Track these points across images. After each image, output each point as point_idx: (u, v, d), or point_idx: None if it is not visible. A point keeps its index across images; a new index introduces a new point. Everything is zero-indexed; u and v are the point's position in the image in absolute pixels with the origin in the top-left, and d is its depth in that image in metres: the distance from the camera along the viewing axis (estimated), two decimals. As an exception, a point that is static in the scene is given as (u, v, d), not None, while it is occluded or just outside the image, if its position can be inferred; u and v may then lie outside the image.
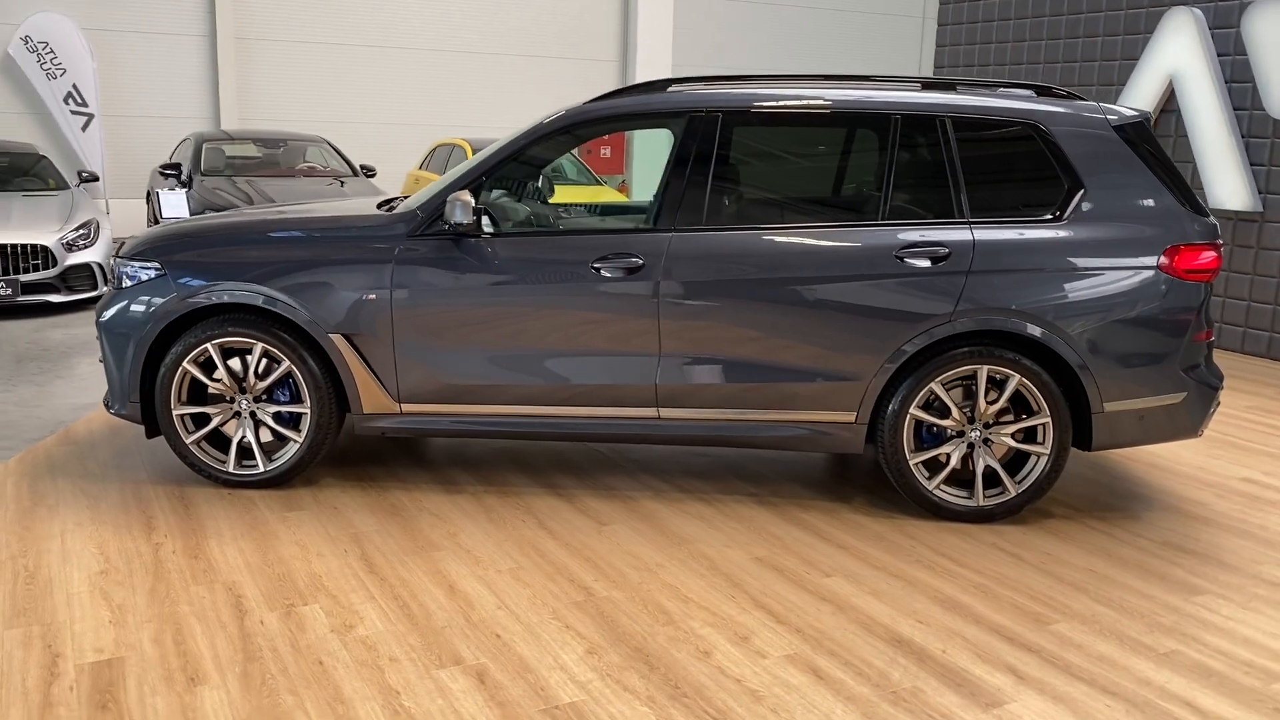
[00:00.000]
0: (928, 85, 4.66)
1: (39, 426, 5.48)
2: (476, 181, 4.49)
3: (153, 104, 13.77)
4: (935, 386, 4.33)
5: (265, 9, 14.20)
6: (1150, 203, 4.37)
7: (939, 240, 4.32)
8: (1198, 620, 3.62)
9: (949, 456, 4.42)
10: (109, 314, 4.58)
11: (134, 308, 4.52)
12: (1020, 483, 4.41)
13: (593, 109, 4.57)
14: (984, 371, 4.32)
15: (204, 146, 10.88)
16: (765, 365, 4.40)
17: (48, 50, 12.97)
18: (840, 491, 4.79)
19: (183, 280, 4.48)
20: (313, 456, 4.56)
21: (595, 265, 4.36)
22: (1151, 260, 4.31)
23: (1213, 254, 4.37)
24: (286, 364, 4.46)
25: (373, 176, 11.37)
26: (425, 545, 4.06)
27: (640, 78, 16.50)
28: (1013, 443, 4.39)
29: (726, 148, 4.49)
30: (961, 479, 4.46)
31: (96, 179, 10.69)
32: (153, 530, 4.12)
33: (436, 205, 4.43)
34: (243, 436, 4.55)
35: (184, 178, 10.36)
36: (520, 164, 4.64)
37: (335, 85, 14.76)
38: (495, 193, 4.80)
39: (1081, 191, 4.35)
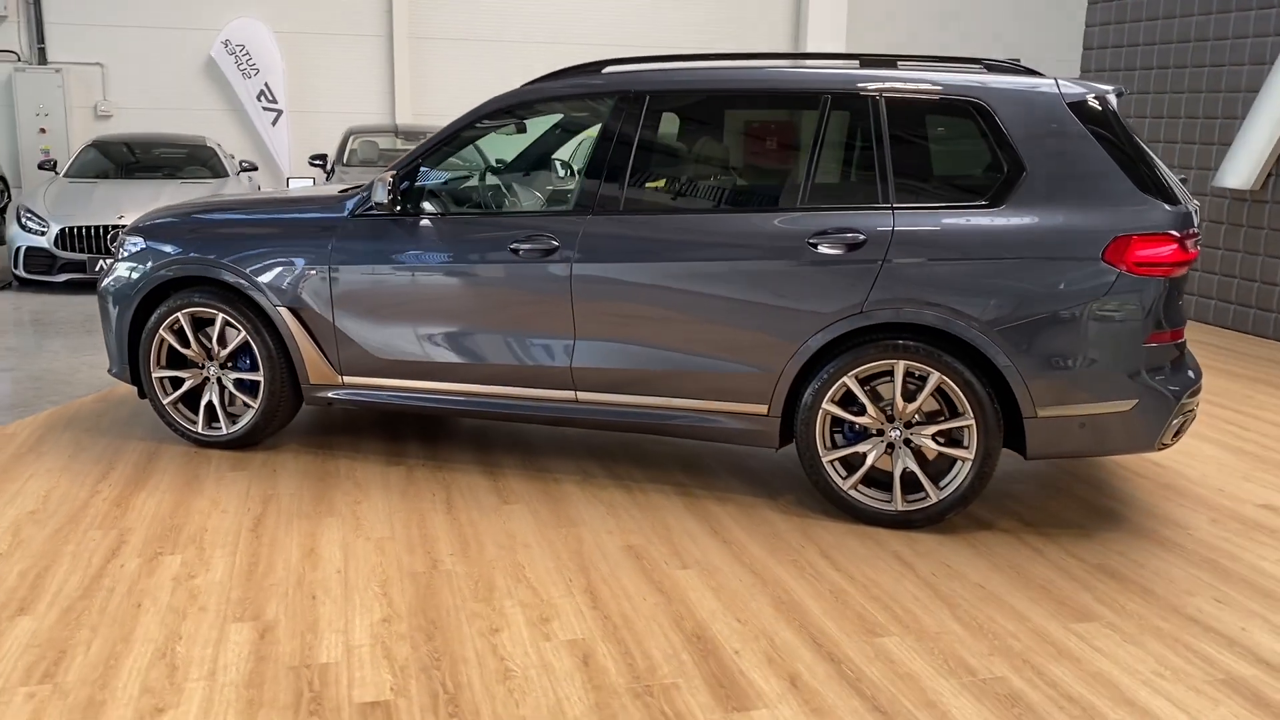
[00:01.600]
0: (867, 63, 4.39)
1: (90, 386, 6.11)
2: (414, 164, 4.64)
3: (335, 100, 14.83)
4: (849, 381, 4.09)
5: (438, 9, 14.97)
6: (1101, 188, 3.94)
7: (854, 226, 4.08)
8: (1056, 649, 3.25)
9: (865, 456, 4.16)
10: (105, 282, 5.05)
11: (123, 277, 4.97)
12: (943, 488, 4.09)
13: (524, 92, 4.61)
14: (900, 367, 4.04)
15: (351, 138, 11.65)
16: (676, 351, 4.30)
17: (244, 52, 14.25)
18: (773, 487, 4.60)
19: (160, 254, 4.88)
20: (267, 422, 4.86)
21: (514, 247, 4.40)
22: (1095, 251, 3.89)
23: (1171, 246, 3.88)
24: (243, 334, 4.78)
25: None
26: (323, 510, 4.25)
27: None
28: (933, 445, 4.09)
29: (649, 130, 4.41)
30: (887, 481, 4.19)
31: (255, 169, 11.67)
32: (104, 480, 4.53)
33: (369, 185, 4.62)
34: (208, 400, 4.91)
35: (328, 167, 11.14)
36: (458, 146, 4.74)
37: (503, 81, 15.35)
38: (444, 175, 4.93)
39: (1023, 175, 3.98)
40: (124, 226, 5.44)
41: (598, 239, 4.32)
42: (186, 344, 4.87)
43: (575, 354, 4.40)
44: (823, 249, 4.08)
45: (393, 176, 4.49)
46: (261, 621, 3.31)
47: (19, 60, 13.80)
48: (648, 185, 4.44)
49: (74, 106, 13.90)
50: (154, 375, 4.94)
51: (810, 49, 16.11)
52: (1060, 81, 4.10)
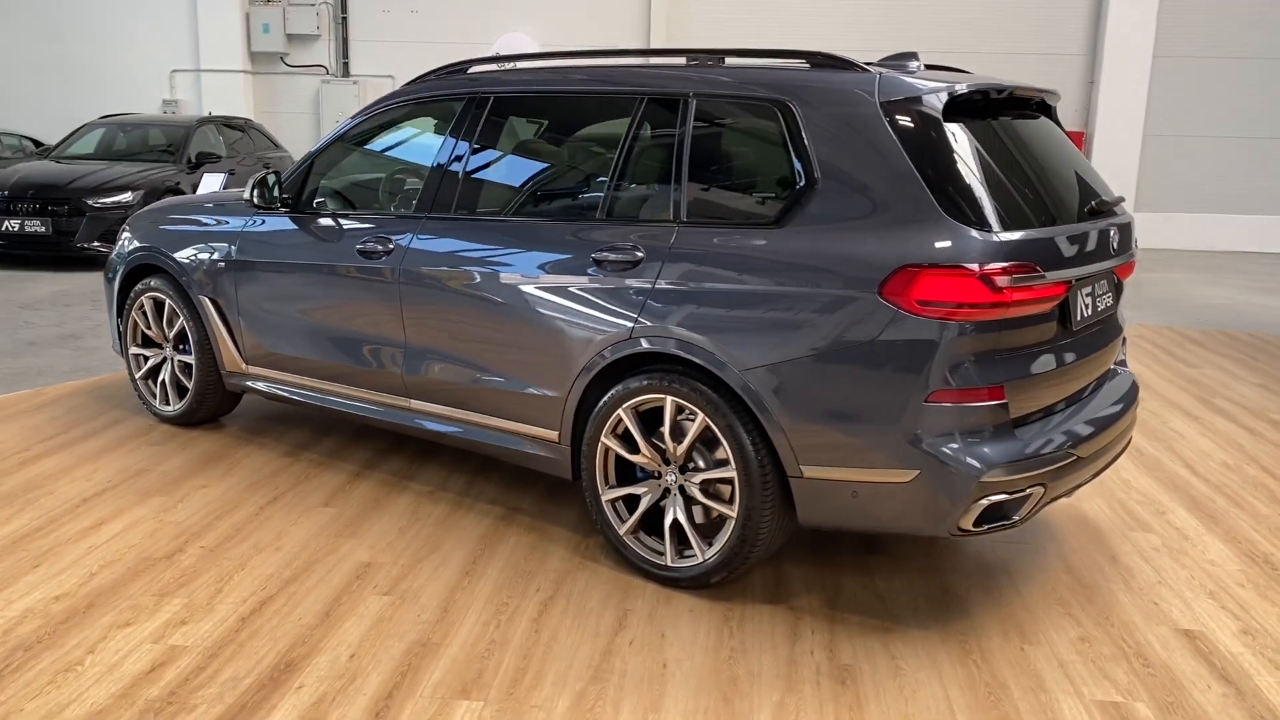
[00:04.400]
0: (694, 58, 3.89)
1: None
2: (307, 165, 4.75)
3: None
4: (624, 413, 3.67)
5: (700, 15, 15.06)
6: (897, 208, 3.23)
7: (636, 243, 3.65)
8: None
9: (640, 499, 3.71)
10: (107, 269, 5.66)
11: (112, 262, 5.55)
12: (711, 546, 3.56)
13: (389, 98, 4.59)
14: (669, 403, 3.56)
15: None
16: (480, 366, 4.09)
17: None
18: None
19: (133, 242, 5.39)
20: (199, 404, 5.21)
21: (359, 248, 4.40)
22: (872, 284, 3.19)
23: (968, 282, 3.09)
24: (180, 320, 5.16)
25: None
26: (172, 482, 4.50)
27: (1109, 72, 14.46)
28: (700, 496, 3.56)
29: (484, 134, 4.23)
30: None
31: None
32: (78, 432, 5.10)
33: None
34: (163, 378, 5.35)
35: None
36: (345, 151, 4.77)
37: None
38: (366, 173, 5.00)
39: (813, 189, 3.37)
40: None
41: (419, 246, 4.21)
42: (149, 326, 5.35)
43: (407, 361, 4.31)
44: (604, 266, 3.69)
45: (264, 176, 4.65)
46: (-32, 579, 3.58)
47: (326, 74, 15.66)
48: (473, 191, 4.24)
49: (368, 114, 15.55)
50: (130, 351, 5.47)
51: (1106, 54, 14.38)
52: (888, 78, 3.41)
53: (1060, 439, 3.35)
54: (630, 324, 3.60)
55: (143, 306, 5.32)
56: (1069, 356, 3.46)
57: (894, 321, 3.15)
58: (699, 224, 3.57)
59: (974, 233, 3.13)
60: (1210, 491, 4.76)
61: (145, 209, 5.68)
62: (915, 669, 3.18)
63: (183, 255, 5.08)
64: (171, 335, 5.24)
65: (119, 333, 5.49)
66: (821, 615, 3.50)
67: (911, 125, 3.29)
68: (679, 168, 3.65)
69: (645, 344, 3.57)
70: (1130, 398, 3.90)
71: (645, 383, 3.58)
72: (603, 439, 3.73)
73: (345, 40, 15.59)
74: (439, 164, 4.28)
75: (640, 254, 3.62)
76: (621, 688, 3.02)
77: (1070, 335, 3.46)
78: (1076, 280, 3.42)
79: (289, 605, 3.46)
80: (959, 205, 3.17)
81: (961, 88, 3.39)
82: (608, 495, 3.77)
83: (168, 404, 5.35)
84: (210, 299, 4.99)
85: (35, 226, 10.25)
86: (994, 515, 3.25)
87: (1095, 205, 3.64)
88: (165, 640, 3.21)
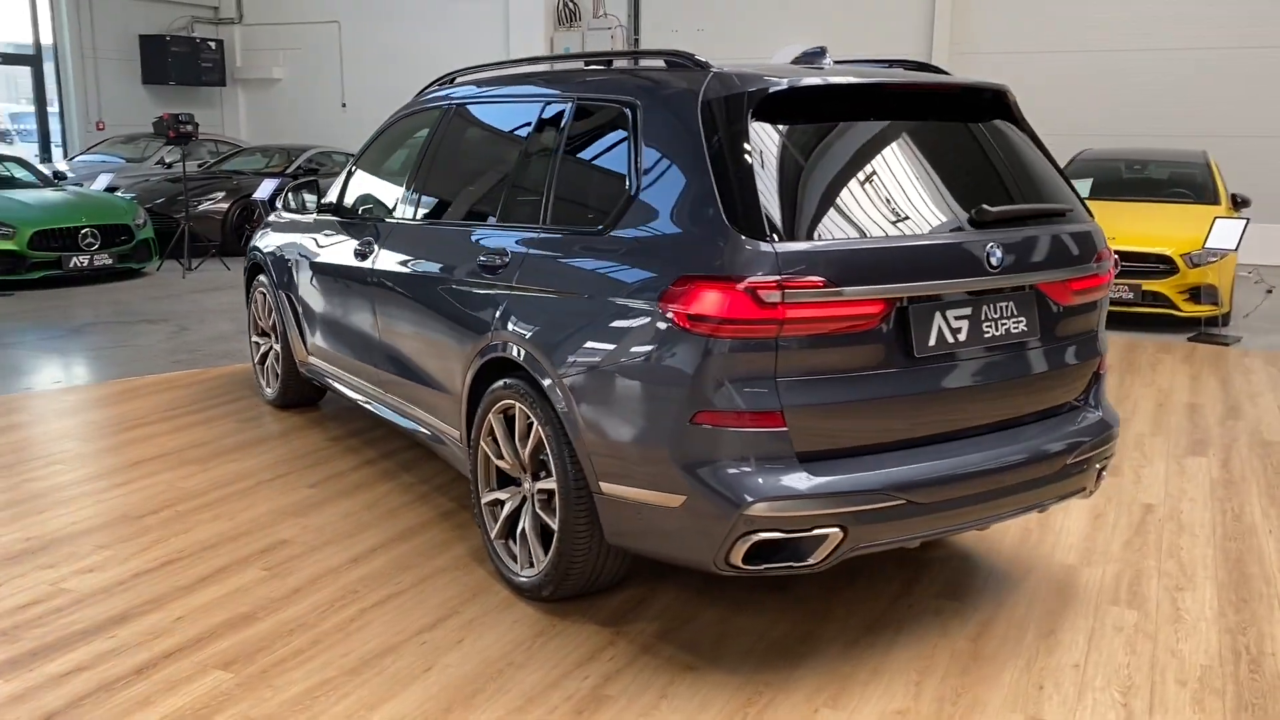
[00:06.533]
0: (592, 62, 3.78)
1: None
2: (348, 171, 5.17)
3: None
4: (493, 418, 3.69)
5: (984, 25, 14.11)
6: (694, 214, 3.02)
7: (506, 247, 3.67)
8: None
9: (504, 505, 3.71)
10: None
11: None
12: (544, 561, 3.48)
13: (403, 109, 4.87)
14: (519, 409, 3.54)
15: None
16: (415, 366, 4.29)
17: (790, 77, 15.12)
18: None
19: (251, 245, 6.12)
20: (285, 390, 5.82)
21: (353, 250, 4.74)
22: (655, 295, 3.00)
23: (731, 296, 2.81)
24: (274, 311, 5.80)
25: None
26: (216, 454, 5.10)
27: None
28: (537, 506, 3.50)
29: (435, 145, 4.44)
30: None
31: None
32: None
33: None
34: (268, 363, 6.04)
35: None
36: (369, 163, 5.10)
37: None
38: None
39: (636, 195, 3.22)
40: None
41: (387, 247, 4.47)
42: (260, 317, 6.06)
43: (377, 358, 4.59)
44: (484, 270, 3.74)
45: (297, 184, 5.13)
46: (-14, 517, 4.32)
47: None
48: (421, 198, 4.42)
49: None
50: (250, 339, 6.22)
51: None
52: (720, 76, 3.17)
53: (882, 480, 2.94)
54: (490, 328, 3.62)
55: (255, 300, 6.03)
56: (911, 387, 3.01)
57: (669, 336, 2.94)
58: (553, 229, 3.52)
59: (748, 243, 2.85)
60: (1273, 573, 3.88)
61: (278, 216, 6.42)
62: (670, 712, 2.93)
63: (269, 253, 5.71)
64: (269, 326, 5.91)
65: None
66: (639, 644, 3.31)
67: (721, 127, 3.05)
68: (552, 173, 3.62)
69: (499, 348, 3.58)
70: (1064, 444, 3.30)
71: (504, 387, 3.59)
72: (481, 441, 3.77)
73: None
74: (407, 172, 4.54)
75: (507, 258, 3.63)
76: (368, 683, 3.07)
77: (916, 364, 3.01)
78: (913, 298, 2.98)
79: (183, 569, 3.84)
80: (743, 213, 2.91)
81: (781, 84, 3.09)
82: (486, 498, 3.80)
83: (268, 388, 6.03)
84: (285, 293, 5.56)
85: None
86: (773, 554, 2.93)
87: (980, 214, 3.12)
88: (60, 583, 3.70)
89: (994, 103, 3.55)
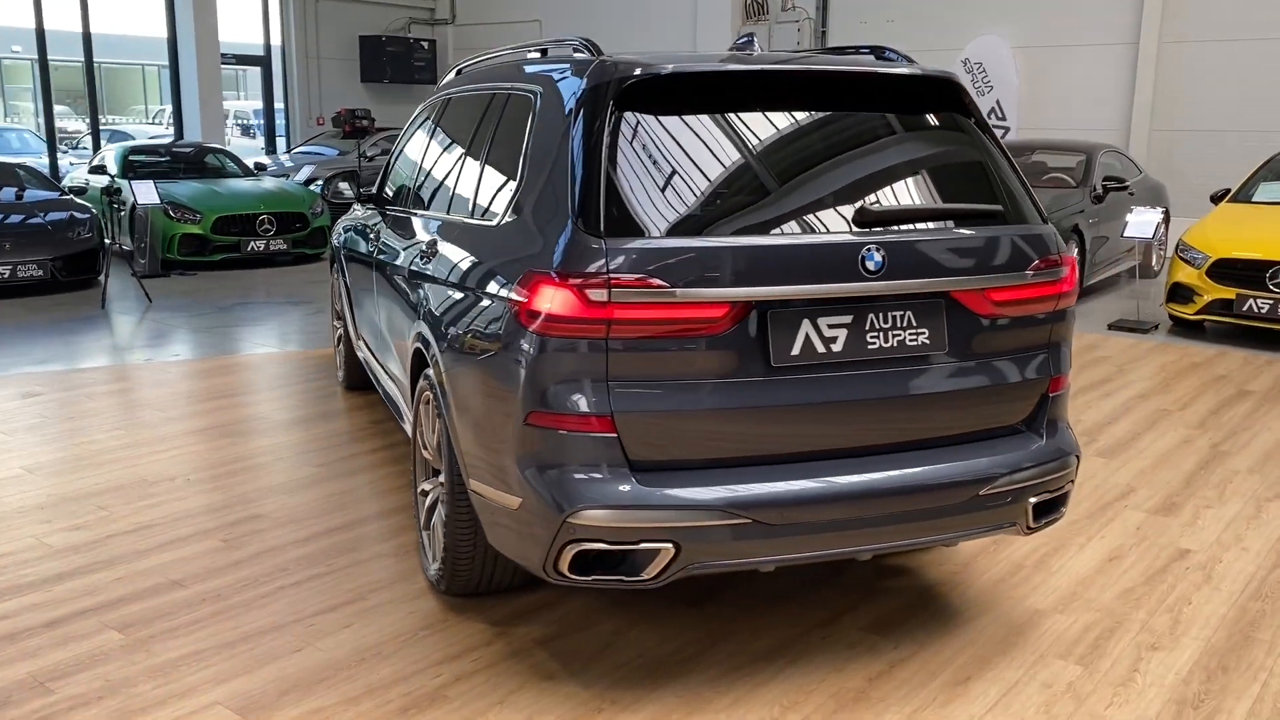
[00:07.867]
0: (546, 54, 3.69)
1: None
2: (389, 165, 5.31)
3: (1067, 117, 13.83)
4: (420, 408, 3.71)
5: (1198, 8, 12.77)
6: (556, 206, 2.90)
7: (432, 238, 3.69)
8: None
9: (427, 495, 3.71)
10: (335, 252, 6.77)
11: (332, 249, 6.65)
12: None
13: (417, 111, 4.96)
14: (432, 400, 3.53)
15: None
16: (390, 351, 4.38)
17: (980, 70, 14.23)
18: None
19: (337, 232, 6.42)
20: (348, 372, 6.08)
21: (369, 238, 4.88)
22: (507, 289, 2.91)
23: (566, 292, 2.69)
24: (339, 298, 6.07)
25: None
26: (268, 429, 5.38)
27: None
28: (442, 501, 3.47)
29: (435, 134, 4.47)
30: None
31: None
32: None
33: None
34: (340, 347, 6.32)
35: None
36: (395, 155, 5.18)
37: (1273, 84, 12.45)
38: None
39: (520, 186, 3.14)
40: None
41: (387, 236, 4.57)
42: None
43: (379, 342, 4.72)
44: (421, 259, 3.76)
45: (338, 174, 5.30)
46: None
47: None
48: (416, 188, 4.46)
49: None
50: (331, 322, 6.54)
51: None
52: (603, 65, 3.02)
53: (724, 496, 2.72)
54: (419, 317, 3.63)
55: (332, 286, 6.33)
56: (767, 399, 2.77)
57: (513, 332, 2.85)
58: (466, 220, 3.51)
59: (583, 239, 2.71)
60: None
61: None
62: (481, 711, 2.84)
63: (335, 240, 5.97)
64: (339, 311, 6.18)
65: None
66: (513, 648, 3.23)
67: (586, 118, 2.92)
68: (481, 163, 3.59)
69: (419, 338, 3.58)
70: (977, 474, 2.94)
71: (424, 379, 3.59)
72: (415, 432, 3.79)
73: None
74: (408, 165, 4.63)
75: (437, 248, 3.63)
76: (234, 659, 3.16)
77: (775, 374, 2.77)
78: (769, 303, 2.73)
79: (153, 535, 4.08)
80: (587, 207, 2.77)
81: (642, 72, 2.90)
82: (418, 488, 3.82)
83: (340, 370, 6.32)
84: (341, 280, 5.81)
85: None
86: (602, 565, 2.78)
87: (860, 214, 2.82)
88: (44, 538, 4.02)
89: (941, 95, 3.21)
